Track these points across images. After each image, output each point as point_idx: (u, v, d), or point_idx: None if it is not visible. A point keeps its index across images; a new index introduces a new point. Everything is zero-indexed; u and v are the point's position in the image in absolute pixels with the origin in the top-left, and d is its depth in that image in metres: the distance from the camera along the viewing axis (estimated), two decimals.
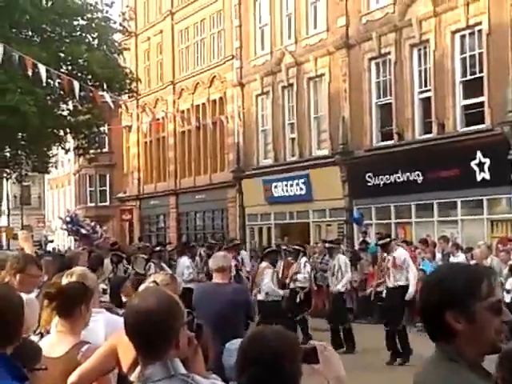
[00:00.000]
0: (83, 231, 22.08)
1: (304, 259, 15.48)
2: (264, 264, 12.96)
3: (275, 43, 26.19)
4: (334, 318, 13.80)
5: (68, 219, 23.15)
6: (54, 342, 4.07)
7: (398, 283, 12.44)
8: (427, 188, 19.35)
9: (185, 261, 16.36)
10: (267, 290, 12.57)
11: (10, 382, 2.61)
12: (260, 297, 12.69)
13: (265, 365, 2.46)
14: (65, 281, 4.74)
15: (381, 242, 13.26)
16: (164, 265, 17.49)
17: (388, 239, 13.18)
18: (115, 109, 23.25)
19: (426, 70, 20.15)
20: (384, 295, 13.42)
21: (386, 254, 12.82)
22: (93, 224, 23.02)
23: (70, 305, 4.12)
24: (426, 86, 20.17)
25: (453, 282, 2.23)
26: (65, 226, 23.36)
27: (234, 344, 4.14)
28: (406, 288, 12.42)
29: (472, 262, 15.54)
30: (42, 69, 15.48)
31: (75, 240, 24.88)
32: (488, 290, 2.20)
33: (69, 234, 24.81)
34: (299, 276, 14.67)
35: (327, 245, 15.19)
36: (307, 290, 15.40)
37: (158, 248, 18.85)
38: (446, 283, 2.25)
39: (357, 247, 20.23)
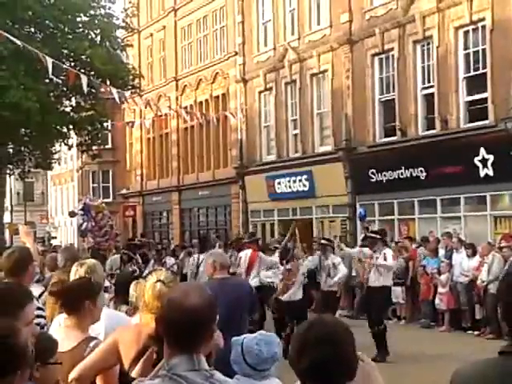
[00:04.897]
0: (86, 225, 21.20)
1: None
2: (289, 266, 13.04)
3: (278, 39, 26.16)
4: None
5: (81, 206, 22.11)
6: (61, 337, 4.08)
7: (377, 284, 12.70)
8: (430, 184, 19.33)
9: None
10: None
11: None
12: (284, 297, 12.79)
13: (327, 346, 2.45)
14: (74, 269, 4.77)
15: (370, 234, 13.44)
16: (169, 259, 17.60)
17: (377, 236, 13.27)
18: (121, 103, 23.16)
19: (429, 66, 20.11)
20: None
21: (373, 253, 12.94)
22: (106, 223, 21.71)
23: (76, 302, 4.15)
24: (429, 82, 20.13)
25: None
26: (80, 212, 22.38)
27: (239, 340, 4.16)
28: (386, 289, 12.92)
29: (475, 259, 15.58)
30: (49, 63, 15.35)
31: (81, 236, 24.24)
32: None
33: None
34: (269, 272, 14.54)
35: (322, 241, 15.14)
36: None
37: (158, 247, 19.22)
38: None
39: (359, 243, 20.20)
